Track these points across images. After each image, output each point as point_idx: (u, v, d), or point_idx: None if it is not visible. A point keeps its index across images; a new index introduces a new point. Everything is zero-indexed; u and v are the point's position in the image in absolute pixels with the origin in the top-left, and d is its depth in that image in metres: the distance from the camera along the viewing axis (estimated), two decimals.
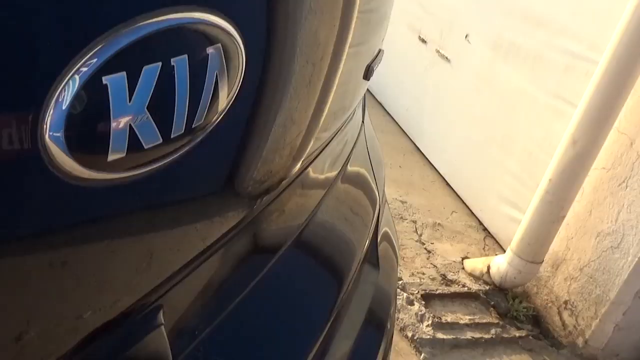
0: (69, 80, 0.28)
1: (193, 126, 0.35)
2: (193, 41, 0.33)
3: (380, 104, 3.71)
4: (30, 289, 0.32)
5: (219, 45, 0.35)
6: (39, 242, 0.31)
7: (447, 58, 3.13)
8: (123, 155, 0.31)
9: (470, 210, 2.89)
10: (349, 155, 0.85)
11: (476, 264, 2.46)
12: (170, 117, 0.33)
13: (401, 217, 2.71)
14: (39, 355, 0.34)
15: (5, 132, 0.26)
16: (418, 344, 2.02)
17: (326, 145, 0.71)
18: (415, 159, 3.24)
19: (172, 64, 0.32)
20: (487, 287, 2.38)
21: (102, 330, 0.37)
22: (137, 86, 0.30)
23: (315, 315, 0.75)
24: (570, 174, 2.10)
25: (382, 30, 0.84)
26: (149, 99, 0.31)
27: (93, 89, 0.28)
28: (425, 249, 2.55)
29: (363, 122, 0.99)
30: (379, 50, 0.81)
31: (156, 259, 0.40)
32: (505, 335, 2.19)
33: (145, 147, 0.32)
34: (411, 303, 2.17)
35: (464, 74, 3.00)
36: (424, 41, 3.33)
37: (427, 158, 3.23)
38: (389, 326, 0.97)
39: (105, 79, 0.29)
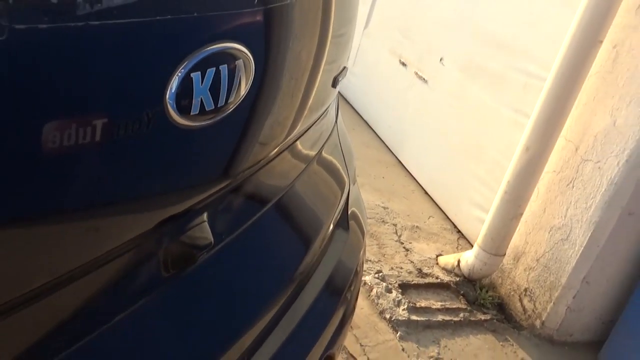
0: (175, 76, 0.59)
1: (228, 101, 0.66)
2: (230, 57, 0.65)
3: (366, 122, 4.05)
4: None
5: (241, 60, 0.67)
6: (156, 160, 0.63)
7: (424, 79, 3.48)
8: (197, 113, 0.63)
9: (446, 215, 3.21)
10: (325, 142, 1.17)
11: (448, 259, 2.77)
12: (218, 95, 0.65)
13: (383, 221, 3.03)
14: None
15: (150, 100, 0.58)
16: (395, 324, 2.33)
17: (308, 129, 1.03)
18: (397, 171, 3.57)
19: (220, 69, 0.64)
20: (458, 279, 2.69)
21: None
22: (204, 79, 0.62)
23: (290, 265, 1.04)
24: (525, 177, 2.43)
25: (348, 50, 1.17)
26: (209, 85, 0.63)
27: (186, 80, 0.60)
28: (404, 247, 2.86)
29: (336, 121, 1.32)
30: (344, 67, 1.14)
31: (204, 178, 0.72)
32: (473, 319, 2.50)
33: (207, 110, 0.64)
34: (390, 291, 2.48)
35: (439, 93, 3.35)
36: (404, 64, 3.68)
37: (407, 170, 3.56)
38: (358, 269, 1.28)
39: (191, 75, 0.61)
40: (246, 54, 0.68)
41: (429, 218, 3.18)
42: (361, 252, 1.32)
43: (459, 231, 3.10)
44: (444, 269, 2.75)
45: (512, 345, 2.43)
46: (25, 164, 0.48)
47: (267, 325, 0.91)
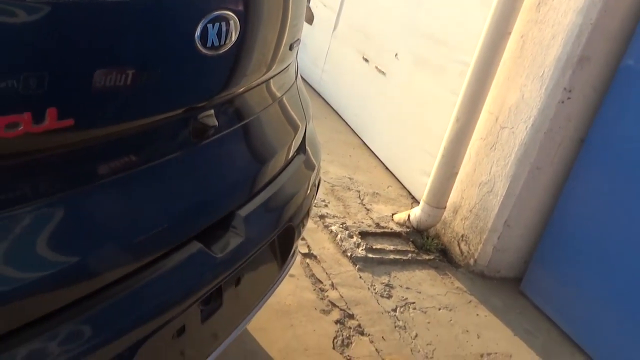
0: (199, 26, 1.17)
1: (226, 42, 1.24)
2: (226, 18, 1.23)
3: (336, 112, 4.65)
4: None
5: (232, 21, 1.25)
6: (190, 72, 1.21)
7: (383, 72, 4.09)
8: (210, 46, 1.20)
9: (402, 184, 3.81)
10: (287, 90, 1.75)
11: (401, 215, 3.37)
12: (220, 38, 1.22)
13: (348, 188, 3.62)
14: None
15: (187, 37, 1.16)
16: (354, 260, 2.91)
17: (274, 76, 1.62)
18: (362, 151, 4.16)
19: (222, 24, 1.22)
20: (408, 230, 3.29)
21: None
22: (214, 28, 1.20)
23: (265, 157, 1.62)
24: (456, 142, 3.04)
25: (299, 29, 1.75)
26: (216, 32, 1.21)
27: (204, 29, 1.18)
28: (365, 208, 3.45)
29: (296, 79, 1.90)
30: (298, 39, 1.72)
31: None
32: (419, 259, 3.09)
33: (214, 45, 1.21)
34: (351, 237, 3.06)
35: (395, 83, 3.95)
36: (366, 60, 4.29)
37: (371, 149, 4.16)
38: (313, 180, 1.86)
39: (207, 25, 1.18)
40: (235, 17, 1.26)
41: (387, 187, 3.77)
42: (315, 169, 1.89)
43: (412, 197, 3.69)
44: (397, 223, 3.34)
45: (450, 278, 3.02)
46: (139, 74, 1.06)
47: (251, 192, 1.50)
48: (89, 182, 1.06)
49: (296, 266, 2.77)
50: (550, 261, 2.94)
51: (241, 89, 1.44)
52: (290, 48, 1.66)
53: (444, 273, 3.05)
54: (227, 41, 1.25)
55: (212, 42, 1.20)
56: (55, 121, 0.94)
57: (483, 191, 3.05)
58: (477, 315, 2.80)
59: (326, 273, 2.78)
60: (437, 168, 3.13)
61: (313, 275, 2.74)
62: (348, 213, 3.34)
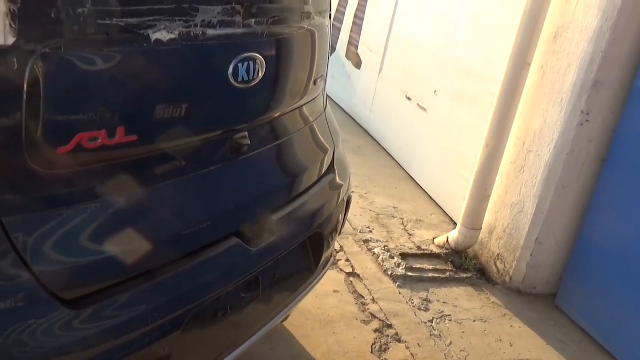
0: (232, 64, 1.51)
1: (254, 78, 1.57)
2: (254, 59, 1.56)
3: (384, 148, 4.95)
4: None
5: (259, 61, 1.58)
6: (226, 101, 1.55)
7: (424, 108, 4.38)
8: (240, 81, 1.53)
9: (444, 211, 4.04)
10: (316, 118, 2.07)
11: (441, 239, 3.60)
12: (249, 75, 1.56)
13: (393, 217, 3.88)
14: None
15: (223, 73, 1.51)
16: (394, 278, 3.17)
17: (303, 105, 1.94)
18: (407, 183, 4.43)
19: (250, 63, 1.56)
20: (447, 252, 3.51)
21: None
22: (244, 66, 1.54)
23: (295, 174, 1.94)
24: (487, 166, 3.28)
25: (323, 68, 2.08)
26: (245, 69, 1.55)
27: (236, 67, 1.52)
28: (408, 233, 3.71)
29: (325, 110, 2.22)
30: (321, 75, 2.05)
31: None
32: (457, 277, 3.31)
33: (244, 80, 1.54)
34: (392, 257, 3.32)
35: (435, 118, 4.24)
36: (409, 99, 4.60)
37: (416, 181, 4.42)
38: (341, 195, 2.15)
39: (238, 64, 1.52)
40: (261, 58, 1.60)
41: (431, 215, 4.02)
42: (343, 187, 2.19)
43: (454, 222, 3.91)
44: (437, 246, 3.58)
45: (486, 294, 3.23)
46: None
47: (283, 200, 1.82)
48: (150, 184, 1.41)
49: (340, 283, 3.05)
50: (582, 275, 3.10)
51: (270, 116, 1.78)
52: (315, 83, 2.00)
53: (481, 290, 3.26)
54: (255, 77, 1.59)
55: (242, 77, 1.54)
56: (124, 137, 1.29)
57: (514, 212, 3.27)
58: (511, 326, 2.99)
59: (368, 289, 3.04)
60: (471, 192, 3.37)
61: (355, 291, 3.01)
62: (391, 238, 3.61)
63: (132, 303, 1.33)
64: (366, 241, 3.49)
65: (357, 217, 3.77)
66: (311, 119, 2.07)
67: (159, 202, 1.43)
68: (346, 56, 5.78)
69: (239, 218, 1.66)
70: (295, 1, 1.77)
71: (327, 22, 2.03)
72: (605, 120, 2.97)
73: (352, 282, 3.08)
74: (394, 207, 4.01)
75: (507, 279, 3.29)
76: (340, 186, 2.18)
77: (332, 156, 2.18)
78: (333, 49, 6.05)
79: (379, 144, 5.07)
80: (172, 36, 1.34)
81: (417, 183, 4.42)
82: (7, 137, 1.13)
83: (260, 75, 1.61)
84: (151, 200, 1.41)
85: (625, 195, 2.88)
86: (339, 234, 2.33)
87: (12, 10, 1.08)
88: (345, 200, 2.25)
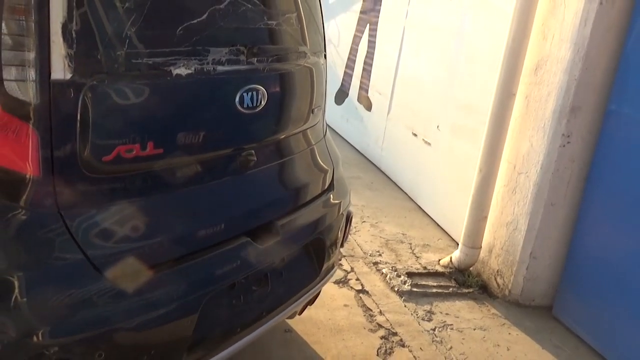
0: (238, 94, 1.88)
1: (257, 105, 1.93)
2: (257, 90, 1.93)
3: (394, 182, 5.28)
4: None
5: (261, 91, 1.95)
6: (232, 125, 1.91)
7: (429, 143, 4.72)
8: (245, 107, 1.89)
9: (451, 237, 4.33)
10: (317, 142, 2.42)
11: (445, 259, 3.88)
12: (253, 102, 1.92)
13: (401, 242, 4.18)
14: None
15: (231, 101, 1.87)
16: (400, 293, 3.45)
17: (304, 130, 2.30)
18: (416, 213, 4.73)
19: (254, 93, 1.92)
20: (451, 270, 3.79)
21: None
22: (248, 95, 1.90)
23: (295, 190, 2.29)
24: (481, 189, 3.59)
25: (321, 100, 2.44)
26: (250, 98, 1.91)
27: (241, 95, 1.88)
28: (415, 256, 3.99)
29: (324, 137, 2.57)
30: (318, 106, 2.40)
31: None
32: (459, 292, 3.58)
33: (249, 106, 1.90)
34: (399, 276, 3.61)
35: (438, 151, 4.57)
36: (415, 135, 4.95)
37: (424, 211, 4.72)
38: (340, 210, 2.48)
39: (243, 94, 1.88)
40: (263, 89, 1.97)
41: (438, 240, 4.31)
42: (341, 203, 2.52)
43: None
44: (442, 265, 3.86)
45: (487, 306, 3.48)
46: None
47: (286, 209, 2.16)
48: (172, 188, 1.76)
49: (350, 299, 3.34)
50: (575, 285, 3.35)
51: (274, 137, 2.14)
52: (313, 112, 2.36)
53: (482, 303, 3.52)
54: (259, 104, 1.95)
55: (247, 104, 1.91)
56: (153, 149, 1.65)
57: (510, 230, 3.55)
58: (509, 333, 3.24)
59: (375, 303, 3.33)
60: (469, 213, 3.67)
61: (364, 305, 3.30)
62: (399, 260, 3.90)
63: (160, 283, 1.67)
64: (375, 263, 3.79)
65: (367, 242, 4.08)
66: (312, 142, 2.42)
67: (179, 203, 1.79)
68: (358, 100, 6.18)
69: (248, 221, 2.00)
70: (291, 43, 2.15)
71: (322, 60, 2.41)
72: (586, 141, 3.27)
73: (361, 297, 3.37)
74: (403, 234, 4.31)
75: (507, 292, 3.55)
76: (339, 201, 2.51)
77: (331, 176, 2.52)
78: (346, 95, 6.46)
79: (390, 179, 5.40)
80: (189, 71, 1.71)
81: (425, 212, 4.72)
82: (65, 148, 1.50)
83: (263, 103, 1.98)
84: (173, 201, 1.77)
85: (609, 209, 3.15)
86: (341, 246, 2.64)
87: (69, 54, 1.46)
88: (345, 214, 2.57)
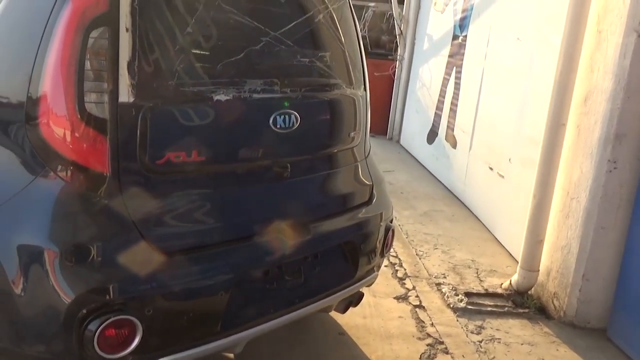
0: (272, 116, 2.35)
1: (291, 126, 2.38)
2: (291, 113, 2.39)
3: (474, 215, 5.50)
4: None
5: (294, 115, 2.40)
6: (270, 143, 2.38)
7: (502, 176, 4.95)
8: (279, 128, 2.35)
9: None
10: (357, 161, 2.83)
11: (506, 282, 4.07)
12: (287, 123, 2.38)
13: (469, 267, 4.41)
14: None
15: (266, 123, 2.34)
16: (455, 309, 3.70)
17: (341, 150, 2.72)
18: (491, 243, 4.93)
19: (287, 115, 2.38)
20: (510, 292, 3.97)
21: None
22: (283, 118, 2.36)
23: (333, 199, 2.71)
24: (536, 214, 3.79)
25: (358, 124, 2.86)
26: (283, 119, 2.37)
27: (275, 118, 2.35)
28: (480, 279, 4.21)
29: (366, 158, 2.96)
30: (357, 131, 2.81)
31: None
32: (514, 312, 3.76)
33: (284, 127, 2.36)
34: (457, 295, 3.86)
35: (510, 182, 4.78)
36: (491, 169, 5.19)
37: (499, 241, 4.91)
38: (378, 223, 2.85)
39: (277, 117, 2.35)
40: (295, 113, 2.43)
41: (506, 267, 4.49)
42: (381, 215, 2.88)
43: None
44: (503, 288, 4.05)
45: (540, 326, 3.64)
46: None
47: (319, 215, 2.58)
48: (213, 189, 2.25)
49: (406, 312, 3.65)
50: (627, 307, 3.44)
51: (307, 154, 2.58)
52: (348, 135, 2.77)
53: (536, 322, 3.68)
54: (292, 125, 2.41)
55: (280, 125, 2.37)
56: (196, 157, 2.15)
57: (564, 253, 3.70)
58: (557, 350, 3.38)
59: (429, 317, 3.61)
60: (525, 237, 3.87)
61: (418, 317, 3.59)
62: (462, 282, 4.14)
63: (196, 261, 2.14)
64: (438, 284, 4.06)
65: (435, 266, 4.36)
66: (349, 162, 2.83)
67: (217, 200, 2.27)
68: (446, 139, 6.49)
69: (281, 220, 2.43)
70: (324, 77, 2.61)
71: (359, 92, 2.83)
72: (633, 167, 3.42)
73: (416, 311, 3.67)
74: (472, 260, 4.53)
75: (562, 314, 3.69)
76: (375, 214, 2.87)
77: (369, 192, 2.91)
78: (436, 134, 6.79)
79: (471, 212, 5.62)
80: (228, 98, 2.21)
81: (499, 241, 4.91)
82: (129, 153, 2.03)
83: (296, 125, 2.43)
84: (214, 198, 2.25)
85: None
86: (382, 255, 2.99)
87: (132, 84, 2.00)
88: (384, 226, 2.93)
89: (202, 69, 2.18)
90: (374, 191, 2.94)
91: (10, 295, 1.96)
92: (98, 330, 1.92)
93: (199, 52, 2.18)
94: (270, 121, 2.35)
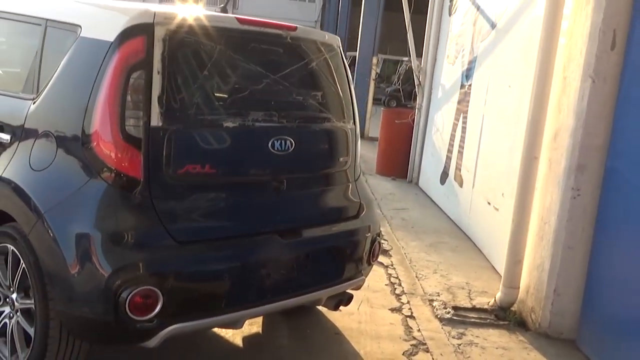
0: (270, 141, 2.99)
1: (287, 149, 3.01)
2: (286, 138, 3.02)
3: (477, 247, 5.98)
4: None
5: (289, 140, 3.05)
6: (269, 163, 3.01)
7: (497, 209, 5.46)
8: (275, 150, 2.98)
9: None
10: (345, 182, 3.42)
11: (492, 300, 4.55)
12: (283, 146, 3.01)
13: (462, 288, 4.89)
14: None
15: (265, 146, 2.98)
16: (441, 320, 4.20)
17: (335, 171, 3.33)
18: (488, 271, 5.40)
19: (282, 140, 3.01)
20: (494, 308, 4.45)
21: None
22: (279, 142, 2.99)
23: (329, 213, 3.31)
24: (514, 237, 4.30)
25: (347, 151, 3.46)
26: (279, 143, 3.00)
27: (272, 142, 2.98)
28: (470, 298, 4.69)
29: (356, 180, 3.55)
30: (346, 155, 3.42)
31: None
32: (495, 323, 4.24)
33: (280, 149, 2.99)
34: (445, 308, 4.35)
35: (505, 215, 5.28)
36: (489, 203, 5.71)
37: (495, 269, 5.39)
38: (365, 235, 3.42)
39: (274, 141, 2.98)
40: (290, 139, 3.06)
41: (498, 289, 4.95)
42: (368, 228, 3.45)
43: None
44: (488, 304, 4.52)
45: (517, 335, 4.10)
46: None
47: (309, 220, 3.18)
48: (223, 195, 2.88)
49: (397, 321, 4.16)
50: (592, 319, 3.89)
51: (301, 173, 3.19)
52: (338, 160, 3.39)
53: (514, 332, 4.14)
54: (287, 148, 3.04)
55: (277, 147, 3.00)
56: (209, 169, 2.80)
57: (539, 271, 4.19)
58: (528, 354, 3.84)
59: (417, 324, 4.11)
60: (506, 257, 4.37)
61: (407, 324, 4.10)
62: (454, 300, 4.63)
63: (202, 251, 2.75)
64: (431, 300, 4.56)
65: (431, 286, 4.86)
66: (340, 182, 3.43)
67: (224, 203, 2.89)
68: (454, 178, 7.03)
69: (276, 224, 3.03)
70: (315, 111, 3.25)
71: (349, 125, 3.45)
72: (593, 194, 3.93)
73: (407, 320, 4.18)
74: (467, 283, 5.02)
75: (537, 325, 4.14)
76: (360, 227, 3.44)
77: (356, 209, 3.49)
78: (447, 175, 7.34)
79: (474, 244, 6.11)
80: (235, 125, 2.86)
81: (496, 270, 5.38)
82: (157, 164, 2.68)
83: (291, 148, 3.05)
84: (222, 202, 2.89)
85: (619, 250, 3.73)
86: (369, 263, 3.54)
87: (161, 112, 2.67)
88: (370, 239, 3.49)
89: (215, 102, 2.85)
90: (362, 208, 3.52)
91: (67, 273, 2.59)
92: (129, 297, 2.53)
93: (213, 89, 2.84)
94: (269, 144, 2.98)
